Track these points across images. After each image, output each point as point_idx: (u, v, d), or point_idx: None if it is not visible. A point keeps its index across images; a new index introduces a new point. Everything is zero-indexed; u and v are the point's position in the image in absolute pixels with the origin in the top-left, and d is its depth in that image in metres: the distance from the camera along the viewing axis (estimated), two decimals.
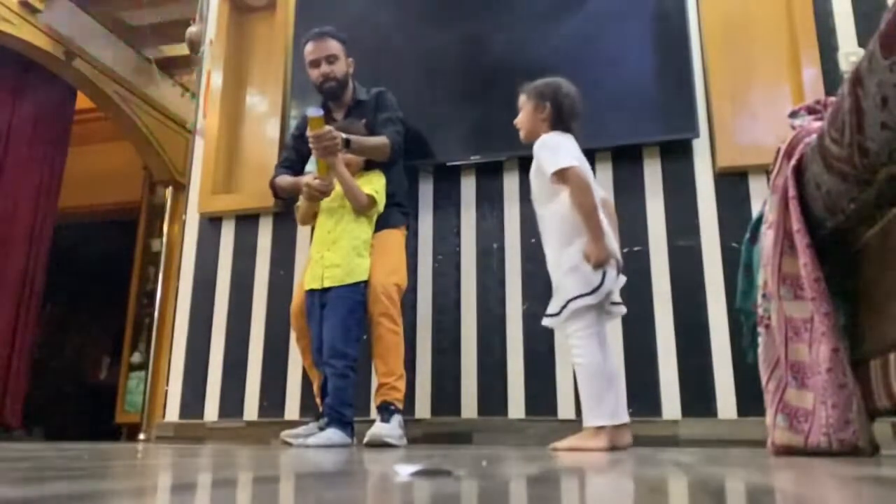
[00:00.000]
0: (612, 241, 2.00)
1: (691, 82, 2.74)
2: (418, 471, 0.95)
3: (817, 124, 1.56)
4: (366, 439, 2.24)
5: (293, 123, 3.07)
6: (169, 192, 5.30)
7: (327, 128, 2.35)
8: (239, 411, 3.00)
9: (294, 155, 2.76)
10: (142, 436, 3.89)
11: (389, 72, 3.02)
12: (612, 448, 1.85)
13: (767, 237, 1.62)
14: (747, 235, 1.86)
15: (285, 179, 2.69)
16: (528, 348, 2.72)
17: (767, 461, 1.33)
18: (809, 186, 1.50)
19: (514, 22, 3.00)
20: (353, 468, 1.12)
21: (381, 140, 2.54)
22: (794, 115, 1.73)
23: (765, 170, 2.43)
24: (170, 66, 5.29)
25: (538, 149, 2.05)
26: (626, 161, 2.80)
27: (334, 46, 2.64)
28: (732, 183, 2.68)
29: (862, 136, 1.20)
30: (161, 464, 1.24)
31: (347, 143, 2.40)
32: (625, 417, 1.93)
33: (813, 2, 2.75)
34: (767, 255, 1.61)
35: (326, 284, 2.41)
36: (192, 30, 3.80)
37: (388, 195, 2.57)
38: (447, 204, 2.98)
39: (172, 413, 3.10)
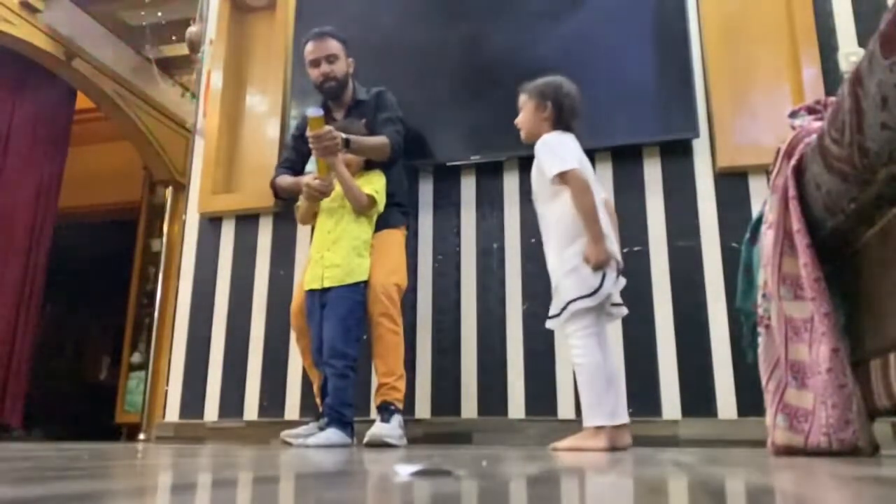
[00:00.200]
0: (613, 243, 2.00)
1: (691, 82, 2.74)
2: (418, 471, 0.95)
3: (817, 124, 1.56)
4: (366, 439, 2.24)
5: (293, 123, 3.07)
6: (169, 192, 5.30)
7: (327, 128, 2.35)
8: (239, 411, 3.00)
9: (294, 155, 2.76)
10: (142, 436, 3.90)
11: (389, 72, 3.02)
12: (612, 448, 1.85)
13: (767, 237, 1.62)
14: (747, 235, 1.86)
15: (286, 179, 2.70)
16: (528, 348, 2.72)
17: (767, 461, 1.33)
18: (809, 186, 1.50)
19: (514, 22, 3.00)
20: (353, 468, 1.12)
21: (380, 140, 2.54)
22: (794, 115, 1.73)
23: (765, 170, 2.43)
24: (170, 66, 5.29)
25: (539, 149, 2.05)
26: (626, 161, 2.80)
27: (334, 46, 2.64)
28: (732, 183, 2.68)
29: (862, 136, 1.20)
30: (161, 464, 1.24)
31: (347, 142, 2.40)
32: (624, 418, 1.93)
33: (813, 2, 2.75)
34: (767, 255, 1.61)
35: (326, 284, 2.41)
36: (192, 30, 3.80)
37: (388, 195, 2.57)
38: (447, 204, 2.98)
39: (172, 413, 3.10)
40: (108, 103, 4.93)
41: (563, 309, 1.95)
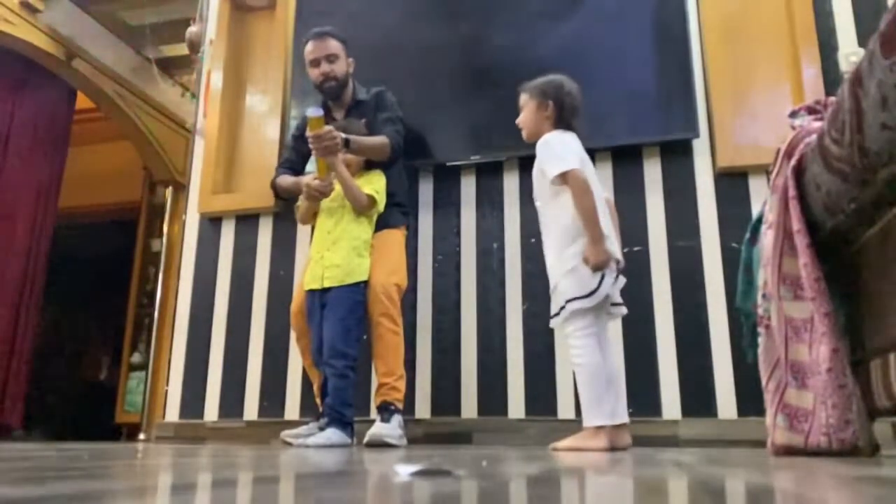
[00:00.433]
0: (613, 243, 2.00)
1: (691, 82, 2.74)
2: (418, 471, 0.95)
3: (817, 124, 1.56)
4: (366, 439, 2.24)
5: (293, 123, 3.07)
6: (169, 192, 5.30)
7: (327, 128, 2.35)
8: (239, 411, 3.00)
9: (294, 155, 2.76)
10: (142, 436, 3.90)
11: (389, 72, 3.02)
12: (612, 448, 1.85)
13: (767, 237, 1.62)
14: (747, 235, 1.86)
15: (286, 179, 2.70)
16: (528, 348, 2.72)
17: (767, 461, 1.33)
18: (809, 186, 1.50)
19: (514, 22, 3.00)
20: (353, 468, 1.12)
21: (380, 140, 2.54)
22: (794, 115, 1.73)
23: (765, 170, 2.43)
24: (170, 66, 5.29)
25: (541, 149, 2.05)
26: (626, 161, 2.80)
27: (334, 46, 2.64)
28: (732, 183, 2.68)
29: (862, 137, 1.20)
30: (161, 464, 1.24)
31: (347, 142, 2.40)
32: (624, 417, 1.93)
33: (813, 2, 2.75)
34: (767, 255, 1.61)
35: (326, 284, 2.41)
36: (192, 30, 3.80)
37: (388, 195, 2.57)
38: (447, 204, 2.98)
39: (172, 413, 3.10)
40: (108, 103, 4.93)
41: (562, 308, 1.95)
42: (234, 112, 3.46)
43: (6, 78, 4.60)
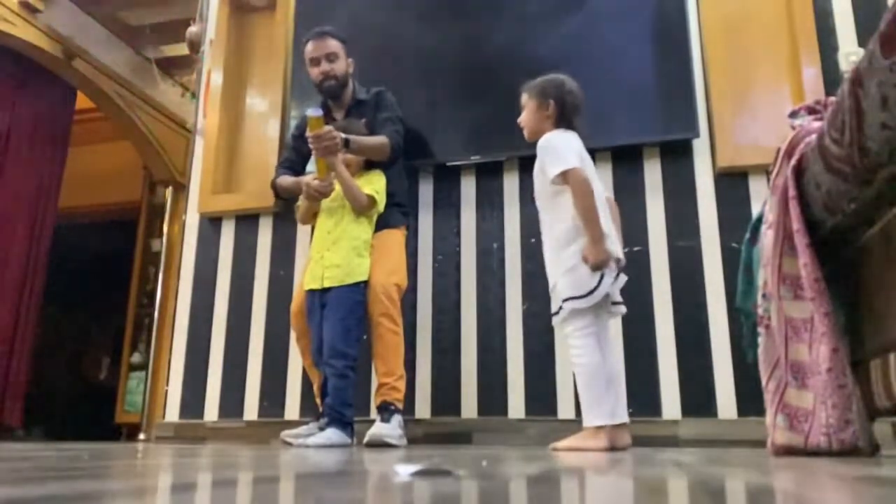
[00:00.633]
0: (614, 242, 2.00)
1: (691, 82, 2.74)
2: (418, 471, 0.95)
3: (817, 124, 1.56)
4: (366, 439, 2.24)
5: (293, 123, 3.07)
6: (169, 192, 5.30)
7: (327, 128, 2.35)
8: (239, 411, 3.00)
9: (295, 155, 2.76)
10: (142, 436, 3.90)
11: (389, 72, 3.02)
12: (612, 448, 1.85)
13: (767, 237, 1.62)
14: (747, 235, 1.86)
15: (287, 180, 2.70)
16: (528, 348, 2.72)
17: (767, 461, 1.33)
18: (809, 186, 1.50)
19: (514, 22, 3.00)
20: (353, 468, 1.12)
21: (380, 140, 2.54)
22: (794, 115, 1.73)
23: (765, 170, 2.43)
24: (170, 66, 5.29)
25: (541, 148, 2.05)
26: (626, 161, 2.80)
27: (334, 45, 2.64)
28: (732, 183, 2.68)
29: (862, 136, 1.20)
30: (161, 464, 1.24)
31: (346, 142, 2.40)
32: (624, 417, 1.93)
33: (813, 2, 2.75)
34: (767, 255, 1.61)
35: (326, 285, 2.41)
36: (192, 30, 3.80)
37: (388, 195, 2.57)
38: (447, 204, 2.98)
39: (172, 413, 3.10)
40: (108, 103, 4.93)
41: (560, 308, 1.95)
42: (234, 112, 3.47)
43: (6, 78, 4.60)
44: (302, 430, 2.47)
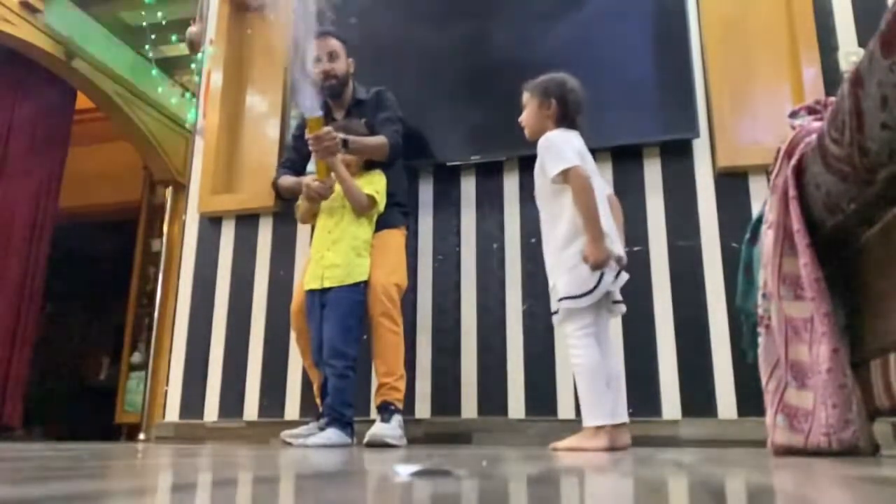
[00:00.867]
0: (615, 241, 1.99)
1: (691, 82, 2.74)
2: (418, 471, 0.95)
3: (817, 124, 1.56)
4: (366, 439, 2.24)
5: (293, 123, 3.07)
6: (169, 192, 5.30)
7: (326, 128, 2.35)
8: (239, 411, 3.00)
9: (295, 155, 2.76)
10: (142, 436, 3.89)
11: (389, 72, 3.02)
12: (612, 448, 1.85)
13: (767, 237, 1.62)
14: (747, 235, 1.86)
15: (287, 180, 2.70)
16: (528, 348, 2.72)
17: (767, 461, 1.33)
18: (809, 186, 1.50)
19: (514, 22, 3.00)
20: (353, 468, 1.12)
21: (379, 140, 2.54)
22: (794, 115, 1.73)
23: (765, 170, 2.43)
24: (170, 66, 5.29)
25: (542, 147, 2.05)
26: (626, 161, 2.80)
27: (335, 44, 2.65)
28: (732, 183, 2.68)
29: (862, 136, 1.20)
30: (161, 464, 1.24)
31: (346, 143, 2.40)
32: (624, 417, 1.93)
33: (813, 2, 2.75)
34: (767, 255, 1.61)
35: (326, 285, 2.41)
36: (192, 30, 3.80)
37: (388, 195, 2.57)
38: (447, 204, 2.98)
39: (172, 413, 3.10)
40: (108, 103, 4.92)
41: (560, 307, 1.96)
42: (234, 112, 3.47)
43: (6, 78, 4.60)
44: (302, 430, 2.47)
